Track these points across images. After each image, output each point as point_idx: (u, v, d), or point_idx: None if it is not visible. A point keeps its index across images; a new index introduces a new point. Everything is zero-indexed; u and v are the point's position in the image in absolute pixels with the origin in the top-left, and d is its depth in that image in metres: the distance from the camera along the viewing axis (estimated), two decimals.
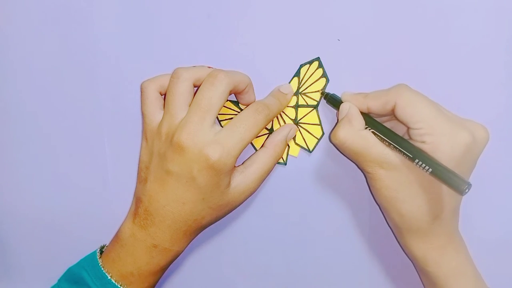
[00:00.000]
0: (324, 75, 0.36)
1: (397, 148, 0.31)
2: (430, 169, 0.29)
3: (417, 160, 0.30)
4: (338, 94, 0.35)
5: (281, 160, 0.38)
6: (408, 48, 0.34)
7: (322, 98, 0.36)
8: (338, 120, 0.36)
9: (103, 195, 0.42)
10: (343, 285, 0.41)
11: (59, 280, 0.36)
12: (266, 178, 0.36)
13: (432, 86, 0.32)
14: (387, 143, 0.31)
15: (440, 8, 0.33)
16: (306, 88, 0.36)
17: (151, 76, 0.35)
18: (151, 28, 0.38)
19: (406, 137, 0.32)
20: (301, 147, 0.38)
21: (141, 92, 0.35)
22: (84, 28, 0.39)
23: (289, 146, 0.38)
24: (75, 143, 0.42)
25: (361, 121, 0.33)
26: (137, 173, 0.35)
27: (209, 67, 0.35)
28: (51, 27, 0.39)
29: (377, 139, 0.32)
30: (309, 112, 0.37)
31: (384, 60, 0.35)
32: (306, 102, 0.37)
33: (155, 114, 0.34)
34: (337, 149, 0.35)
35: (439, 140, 0.29)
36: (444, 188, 0.31)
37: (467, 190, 0.28)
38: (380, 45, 0.34)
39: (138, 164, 0.35)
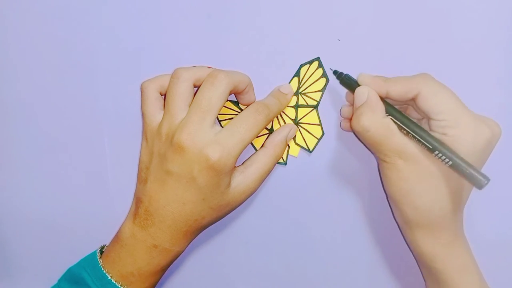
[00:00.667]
0: (324, 75, 0.36)
1: (416, 138, 0.30)
2: (450, 162, 0.28)
3: (436, 152, 0.29)
4: (339, 93, 0.35)
5: (281, 160, 0.38)
6: (408, 48, 0.34)
7: (336, 78, 0.34)
8: (347, 101, 0.35)
9: (103, 195, 0.42)
10: (343, 285, 0.41)
11: (59, 280, 0.36)
12: (266, 178, 0.35)
13: None
14: (405, 132, 0.31)
15: (440, 8, 0.33)
16: (306, 88, 0.36)
17: (151, 76, 0.35)
18: (151, 28, 0.38)
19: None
20: (301, 147, 0.38)
21: (141, 92, 0.35)
22: (84, 28, 0.39)
23: (289, 146, 0.38)
24: (75, 143, 0.42)
25: (382, 108, 0.31)
26: (137, 174, 0.35)
27: (209, 67, 0.35)
28: (51, 27, 0.39)
29: (397, 127, 0.31)
30: (309, 112, 0.37)
31: (384, 60, 0.35)
32: (306, 102, 0.37)
33: (155, 114, 0.34)
34: (356, 136, 0.34)
35: (462, 133, 0.29)
36: (460, 183, 0.30)
37: (485, 185, 0.28)
38: (380, 45, 0.34)
39: (138, 165, 0.35)
